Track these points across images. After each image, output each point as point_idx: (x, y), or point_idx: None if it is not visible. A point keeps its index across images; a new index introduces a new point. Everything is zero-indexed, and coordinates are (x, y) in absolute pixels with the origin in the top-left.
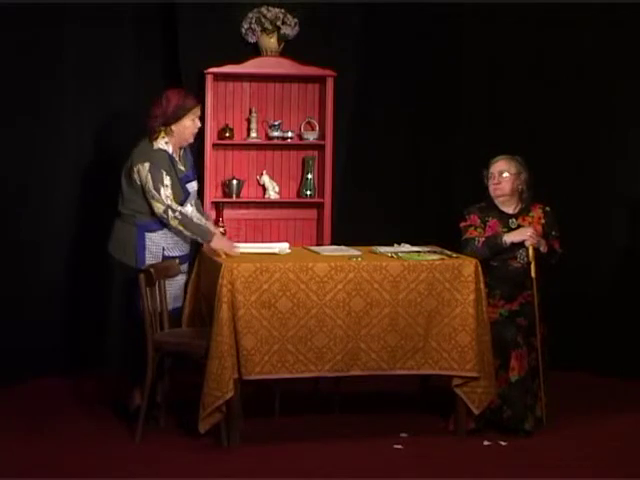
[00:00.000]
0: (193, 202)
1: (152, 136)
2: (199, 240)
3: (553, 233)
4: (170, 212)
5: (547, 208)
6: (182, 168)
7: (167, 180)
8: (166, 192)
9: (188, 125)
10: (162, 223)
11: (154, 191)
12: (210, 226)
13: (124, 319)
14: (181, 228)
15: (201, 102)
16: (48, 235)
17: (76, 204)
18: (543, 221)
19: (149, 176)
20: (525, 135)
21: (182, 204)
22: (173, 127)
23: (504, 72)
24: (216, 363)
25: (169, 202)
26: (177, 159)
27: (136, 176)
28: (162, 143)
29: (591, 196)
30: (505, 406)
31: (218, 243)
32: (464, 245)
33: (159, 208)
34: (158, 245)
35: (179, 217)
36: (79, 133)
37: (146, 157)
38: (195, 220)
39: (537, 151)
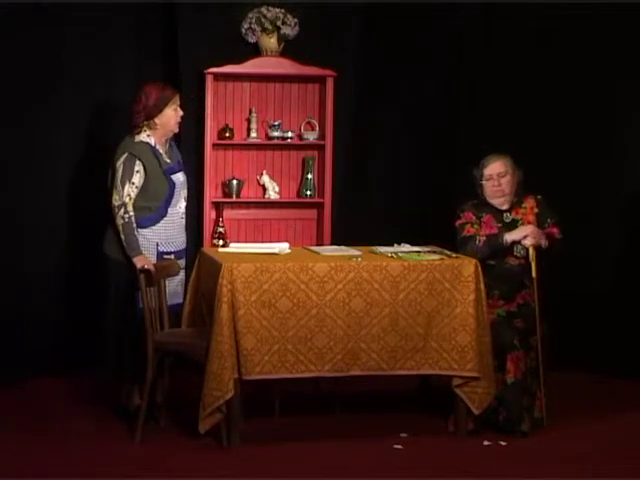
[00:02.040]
0: (185, 196)
1: (134, 131)
2: (125, 249)
3: (549, 220)
4: (122, 210)
5: (539, 197)
6: (167, 160)
7: (136, 179)
8: (129, 190)
9: (171, 115)
10: (154, 218)
11: (119, 182)
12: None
13: (123, 319)
14: (120, 229)
15: (179, 91)
16: (47, 234)
17: (75, 204)
18: (537, 210)
19: (121, 167)
20: (526, 134)
21: (170, 195)
22: (156, 120)
23: (504, 72)
24: (216, 363)
25: (127, 201)
26: (162, 152)
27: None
28: (144, 136)
29: (592, 194)
30: (501, 408)
31: (140, 261)
32: (463, 243)
33: (116, 200)
34: (151, 241)
35: (126, 220)
36: (79, 133)
37: (126, 149)
38: (135, 232)
39: (538, 149)
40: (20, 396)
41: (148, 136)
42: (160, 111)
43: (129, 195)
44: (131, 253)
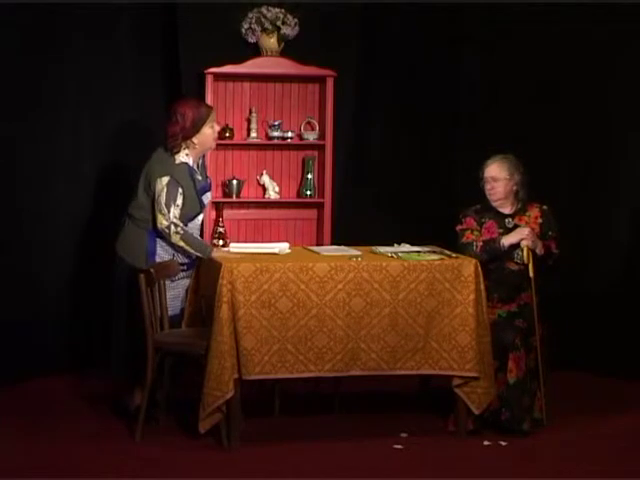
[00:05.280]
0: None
1: (173, 151)
2: (199, 255)
3: (550, 233)
4: (173, 227)
5: (544, 207)
6: (199, 178)
7: (180, 200)
8: (175, 211)
9: (209, 133)
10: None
11: (164, 206)
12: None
13: (127, 319)
14: (182, 244)
15: (213, 106)
16: (52, 235)
17: (79, 204)
18: (540, 220)
19: (164, 190)
20: (526, 135)
21: (196, 216)
22: (194, 139)
23: (504, 72)
24: (216, 363)
25: (174, 220)
26: (196, 169)
27: (154, 187)
28: (183, 155)
29: (592, 196)
30: (504, 408)
31: (217, 254)
32: (462, 249)
33: (162, 223)
34: (169, 251)
35: (181, 232)
36: (79, 134)
37: (167, 171)
38: (195, 235)
39: (538, 150)
40: (20, 396)
41: (187, 155)
42: (198, 131)
43: (175, 216)
44: (206, 252)
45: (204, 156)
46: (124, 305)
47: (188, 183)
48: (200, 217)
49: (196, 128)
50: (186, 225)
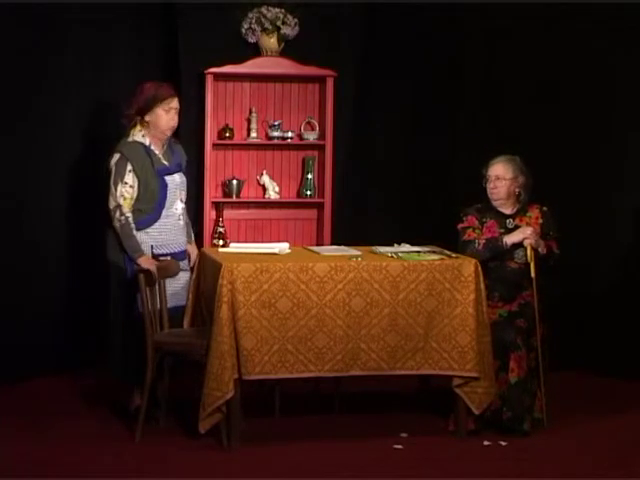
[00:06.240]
0: (183, 198)
1: (128, 128)
2: (128, 252)
3: (550, 234)
4: (118, 212)
5: (544, 208)
6: (165, 162)
7: (129, 178)
8: (122, 190)
9: (161, 114)
10: (147, 221)
11: (112, 185)
12: (191, 231)
13: (122, 319)
14: (119, 232)
15: (177, 95)
16: (48, 235)
17: (76, 204)
18: (540, 221)
19: (114, 168)
20: (526, 135)
21: (163, 197)
22: (147, 118)
23: (505, 72)
24: (216, 363)
25: (121, 202)
26: (158, 152)
27: (108, 168)
28: (139, 136)
29: (592, 196)
30: (505, 408)
31: (144, 262)
32: (463, 247)
33: (111, 203)
34: (146, 243)
35: (122, 222)
36: (79, 133)
37: (119, 148)
38: (134, 233)
39: (538, 150)
40: (20, 396)
41: (143, 136)
42: (150, 109)
43: (123, 196)
44: (134, 255)
45: (174, 147)
46: (120, 306)
47: (141, 160)
48: (178, 206)
49: (149, 106)
50: (159, 213)
